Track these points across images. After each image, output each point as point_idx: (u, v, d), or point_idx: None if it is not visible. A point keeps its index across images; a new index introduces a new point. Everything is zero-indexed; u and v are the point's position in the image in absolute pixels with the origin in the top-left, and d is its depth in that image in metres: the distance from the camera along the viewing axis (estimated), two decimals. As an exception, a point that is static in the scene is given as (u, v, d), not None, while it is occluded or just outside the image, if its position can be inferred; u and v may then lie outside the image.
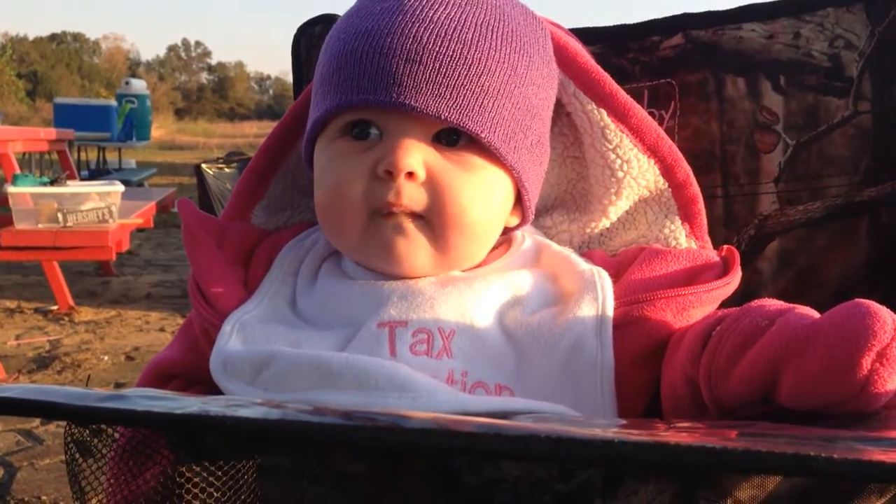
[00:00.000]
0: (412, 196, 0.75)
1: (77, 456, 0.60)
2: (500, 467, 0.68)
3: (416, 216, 0.76)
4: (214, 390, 0.78)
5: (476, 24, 0.76)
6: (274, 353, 0.72)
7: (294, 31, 1.08)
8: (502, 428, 0.40)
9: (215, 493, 0.60)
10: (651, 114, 0.95)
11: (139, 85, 10.41)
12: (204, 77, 68.99)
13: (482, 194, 0.77)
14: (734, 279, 0.80)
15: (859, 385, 0.58)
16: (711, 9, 0.93)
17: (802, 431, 0.54)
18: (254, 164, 0.93)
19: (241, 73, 69.52)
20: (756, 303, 0.70)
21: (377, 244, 0.77)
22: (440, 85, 0.73)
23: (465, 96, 0.74)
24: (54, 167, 6.95)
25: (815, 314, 0.64)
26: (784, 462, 0.43)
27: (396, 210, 0.75)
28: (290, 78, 1.12)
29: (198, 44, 72.76)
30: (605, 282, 0.78)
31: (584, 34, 0.97)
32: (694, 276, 0.80)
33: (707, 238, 0.86)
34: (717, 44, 0.94)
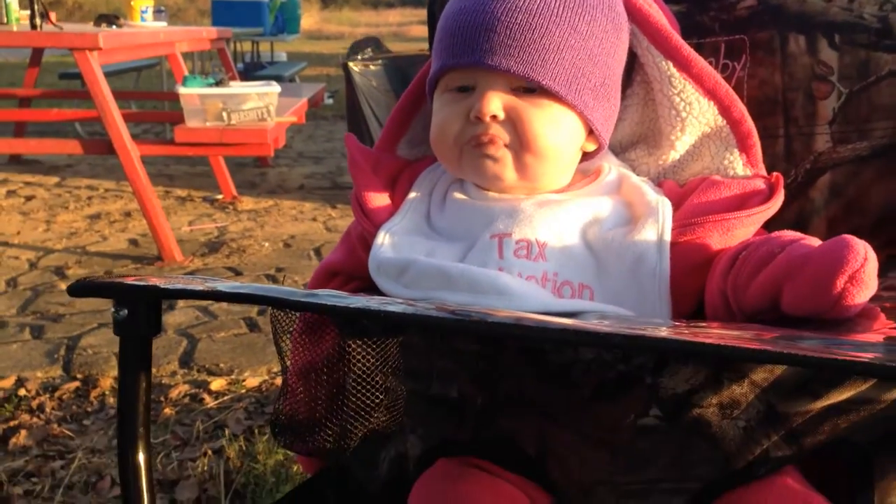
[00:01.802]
0: (497, 131, 0.99)
1: (279, 331, 0.87)
2: (577, 350, 0.92)
3: (502, 145, 1.00)
4: (369, 284, 1.04)
5: (547, 5, 0.98)
6: (411, 261, 0.97)
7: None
8: (551, 324, 0.64)
9: (371, 359, 0.87)
10: (725, 65, 1.13)
11: (289, -21, 10.72)
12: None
13: (551, 125, 1.00)
14: (774, 205, 0.98)
15: (834, 299, 0.77)
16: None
17: (783, 332, 0.75)
18: (400, 105, 1.16)
19: (385, -42, 69.17)
20: (776, 234, 0.90)
21: (471, 167, 1.03)
22: (510, 47, 0.96)
23: (529, 54, 0.96)
24: (214, 60, 7.40)
25: (816, 243, 0.84)
26: (748, 354, 0.65)
27: (485, 140, 1.00)
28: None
29: (342, -72, 72.56)
30: (666, 209, 0.98)
31: (672, -6, 1.15)
32: (743, 201, 0.99)
33: (761, 165, 1.03)
34: (784, 6, 1.09)
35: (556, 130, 1.00)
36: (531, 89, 0.99)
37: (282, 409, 0.89)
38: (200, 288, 0.68)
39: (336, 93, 7.77)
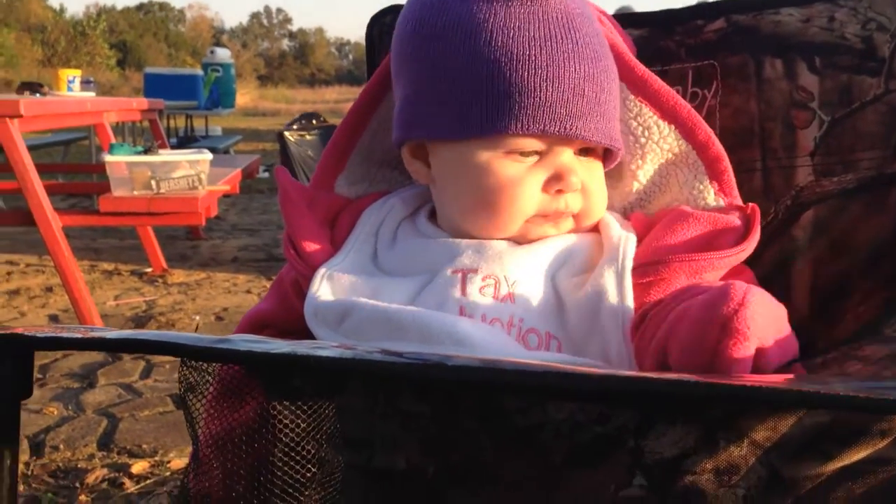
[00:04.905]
0: (574, 204, 0.90)
1: (189, 394, 0.72)
2: (545, 411, 0.79)
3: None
4: (304, 338, 0.89)
5: (595, 52, 0.88)
6: (354, 305, 0.83)
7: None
8: (528, 366, 0.50)
9: (302, 425, 0.72)
10: (695, 93, 1.03)
11: (224, 54, 10.67)
12: (285, 44, 69.83)
13: (603, 189, 0.93)
14: (749, 246, 0.87)
15: (709, 355, 0.66)
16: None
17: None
18: (334, 140, 1.03)
19: (322, 39, 70.13)
20: (692, 283, 0.81)
21: (536, 234, 0.91)
22: (596, 114, 0.86)
23: (609, 121, 0.88)
24: (146, 135, 7.23)
25: None
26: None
27: (565, 215, 0.91)
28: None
29: (279, 10, 73.68)
30: (627, 247, 0.88)
31: (633, 18, 1.05)
32: (713, 239, 0.88)
33: (736, 193, 0.93)
34: (757, 27, 1.00)
35: (605, 192, 0.95)
36: (587, 152, 0.91)
37: (191, 488, 0.73)
38: (79, 336, 0.53)
39: (272, 166, 7.64)
